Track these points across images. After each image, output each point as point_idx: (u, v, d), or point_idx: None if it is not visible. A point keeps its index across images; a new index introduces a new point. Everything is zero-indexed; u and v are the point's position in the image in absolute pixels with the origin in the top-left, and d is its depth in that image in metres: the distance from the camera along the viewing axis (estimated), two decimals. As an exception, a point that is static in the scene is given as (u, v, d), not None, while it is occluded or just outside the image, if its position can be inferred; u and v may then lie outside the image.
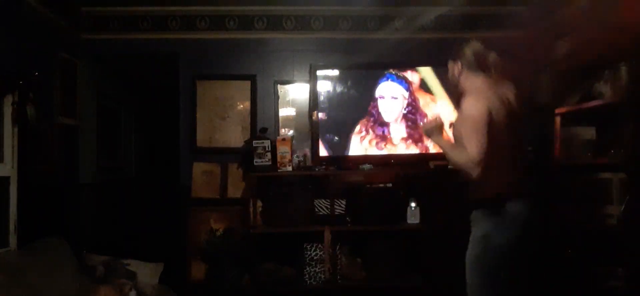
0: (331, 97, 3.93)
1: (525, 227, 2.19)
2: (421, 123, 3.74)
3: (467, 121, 2.19)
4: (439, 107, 3.90)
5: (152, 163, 5.75)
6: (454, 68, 2.42)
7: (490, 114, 2.17)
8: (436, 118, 2.46)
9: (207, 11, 4.05)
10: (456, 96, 2.47)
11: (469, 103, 2.24)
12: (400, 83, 3.92)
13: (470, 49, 2.38)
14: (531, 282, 2.46)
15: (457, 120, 2.32)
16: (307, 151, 3.94)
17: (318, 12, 4.09)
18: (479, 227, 2.24)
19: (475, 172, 2.13)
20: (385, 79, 3.92)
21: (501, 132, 2.20)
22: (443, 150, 2.34)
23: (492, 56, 2.39)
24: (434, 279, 3.53)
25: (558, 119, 3.27)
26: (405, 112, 3.91)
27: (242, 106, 4.08)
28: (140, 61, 4.64)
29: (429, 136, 2.44)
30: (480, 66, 2.35)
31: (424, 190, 3.67)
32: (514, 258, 2.20)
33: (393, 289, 3.68)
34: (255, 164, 3.69)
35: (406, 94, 3.92)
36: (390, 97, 3.91)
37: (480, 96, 2.24)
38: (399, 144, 3.90)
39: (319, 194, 3.78)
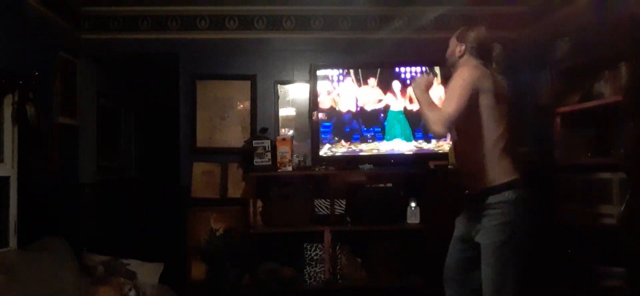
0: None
1: (533, 213, 2.25)
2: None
3: (452, 84, 2.22)
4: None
5: (152, 163, 5.74)
6: (457, 47, 2.41)
7: (475, 83, 2.21)
8: (429, 74, 2.45)
9: (207, 11, 4.05)
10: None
11: (461, 70, 2.29)
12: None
13: (476, 33, 2.36)
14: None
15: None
16: (307, 151, 3.94)
17: (318, 12, 4.09)
18: (500, 214, 2.20)
19: (439, 130, 2.19)
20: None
21: (505, 113, 2.27)
22: (420, 104, 2.32)
23: (498, 50, 2.39)
24: (434, 279, 3.53)
25: (558, 119, 3.27)
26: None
27: (242, 106, 4.08)
28: (140, 61, 4.64)
29: (415, 88, 2.35)
30: (481, 53, 2.36)
31: (424, 190, 3.67)
32: (533, 242, 2.24)
33: (393, 289, 3.68)
34: (255, 164, 3.70)
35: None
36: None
37: (475, 70, 2.28)
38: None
39: (319, 194, 3.78)
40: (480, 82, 2.22)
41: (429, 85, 2.37)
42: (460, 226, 2.43)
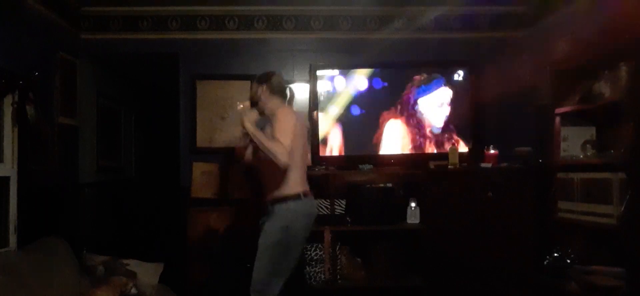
0: (331, 96, 3.94)
1: (312, 217, 2.83)
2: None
3: (283, 124, 2.68)
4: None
5: (152, 163, 5.74)
6: (259, 89, 2.89)
7: (296, 126, 2.73)
8: (253, 110, 2.83)
9: (207, 11, 4.05)
10: (259, 108, 2.89)
11: (284, 112, 2.78)
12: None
13: (278, 79, 2.93)
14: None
15: (272, 123, 2.75)
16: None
17: (318, 12, 4.09)
18: (281, 219, 2.69)
19: (286, 161, 2.60)
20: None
21: (300, 142, 2.79)
22: (259, 138, 2.67)
23: (290, 90, 2.99)
24: (434, 279, 3.54)
25: (558, 119, 3.27)
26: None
27: (242, 106, 4.07)
28: (140, 61, 4.64)
29: (247, 123, 2.74)
30: (280, 92, 2.92)
31: (424, 190, 3.67)
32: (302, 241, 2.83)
33: (393, 289, 3.68)
34: (255, 164, 3.69)
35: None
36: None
37: (291, 111, 2.84)
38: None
39: (319, 194, 3.77)
40: (297, 122, 2.75)
41: (256, 118, 2.79)
42: None
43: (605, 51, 2.87)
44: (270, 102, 2.87)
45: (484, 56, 4.06)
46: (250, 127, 2.73)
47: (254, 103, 2.92)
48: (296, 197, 2.74)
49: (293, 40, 4.11)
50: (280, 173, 2.70)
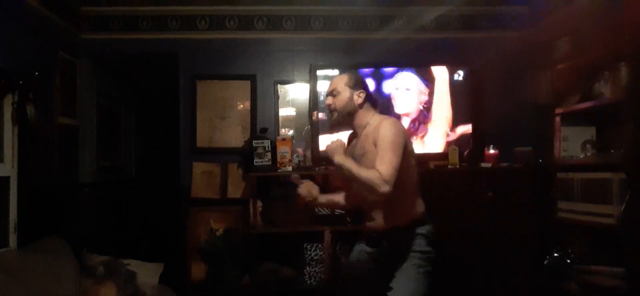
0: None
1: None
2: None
3: (385, 140, 2.21)
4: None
5: (152, 163, 5.74)
6: (354, 94, 2.40)
7: (407, 141, 2.30)
8: (338, 140, 2.38)
9: (207, 11, 4.05)
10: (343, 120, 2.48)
11: (388, 124, 2.28)
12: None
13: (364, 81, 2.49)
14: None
15: (370, 139, 2.32)
16: (307, 151, 3.94)
17: (318, 12, 4.09)
18: (418, 244, 2.40)
19: (384, 189, 2.13)
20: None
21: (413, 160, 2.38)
22: (349, 170, 2.26)
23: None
24: (434, 279, 3.53)
25: (558, 119, 3.27)
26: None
27: (242, 106, 4.09)
28: (140, 61, 4.64)
29: (335, 155, 2.33)
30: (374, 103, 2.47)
31: (424, 190, 3.66)
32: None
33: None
34: (255, 164, 3.69)
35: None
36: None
37: (397, 123, 2.35)
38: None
39: (319, 194, 3.77)
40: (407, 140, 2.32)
41: (342, 148, 2.35)
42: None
43: (605, 51, 2.87)
44: (369, 114, 2.44)
45: (484, 56, 4.06)
46: (336, 158, 2.31)
47: (347, 113, 2.44)
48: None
49: (293, 40, 4.11)
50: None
